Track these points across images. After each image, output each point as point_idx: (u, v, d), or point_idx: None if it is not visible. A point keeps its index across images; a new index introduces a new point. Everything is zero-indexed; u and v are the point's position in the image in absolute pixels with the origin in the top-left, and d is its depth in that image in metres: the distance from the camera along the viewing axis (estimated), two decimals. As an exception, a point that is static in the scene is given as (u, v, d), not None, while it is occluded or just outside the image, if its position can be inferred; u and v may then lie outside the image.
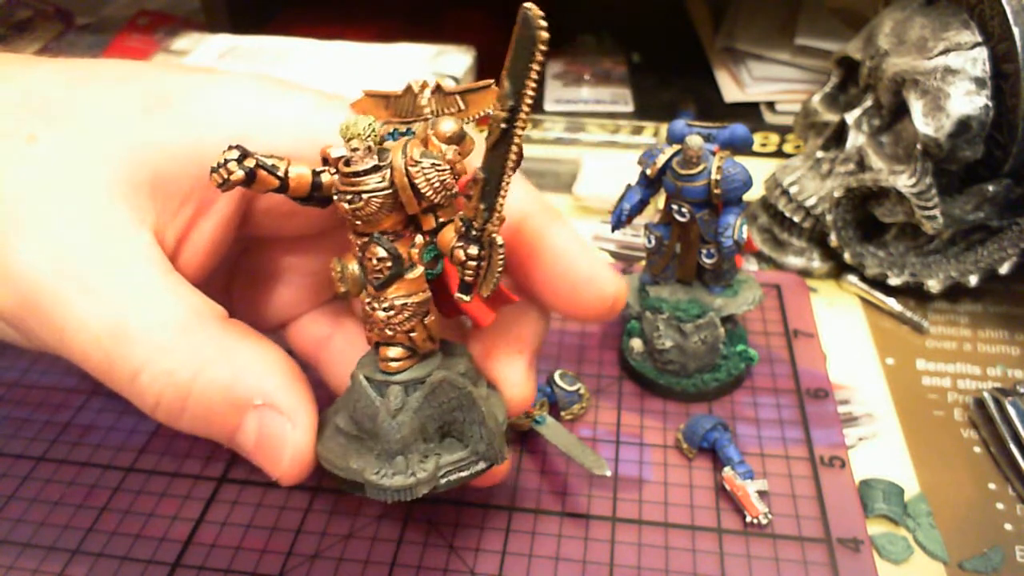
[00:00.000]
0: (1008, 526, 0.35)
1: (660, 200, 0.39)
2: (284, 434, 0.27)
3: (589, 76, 0.71)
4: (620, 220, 0.39)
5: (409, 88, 0.27)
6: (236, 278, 0.35)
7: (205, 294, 0.28)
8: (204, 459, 0.38)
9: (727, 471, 0.36)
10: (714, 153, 0.36)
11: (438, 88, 0.27)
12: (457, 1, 0.81)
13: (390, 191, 0.25)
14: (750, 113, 0.65)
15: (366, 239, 0.26)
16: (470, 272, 0.26)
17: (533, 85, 0.22)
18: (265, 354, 0.28)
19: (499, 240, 0.25)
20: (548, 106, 0.68)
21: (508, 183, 0.24)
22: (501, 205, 0.25)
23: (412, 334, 0.27)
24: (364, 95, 0.29)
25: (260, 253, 0.35)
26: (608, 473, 0.34)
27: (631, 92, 0.69)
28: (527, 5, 0.22)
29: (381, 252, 0.26)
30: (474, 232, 0.25)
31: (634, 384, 0.42)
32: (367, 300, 0.27)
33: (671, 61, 0.73)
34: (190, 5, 0.83)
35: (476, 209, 0.25)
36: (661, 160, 0.37)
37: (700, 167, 0.36)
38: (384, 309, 0.26)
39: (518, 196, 0.30)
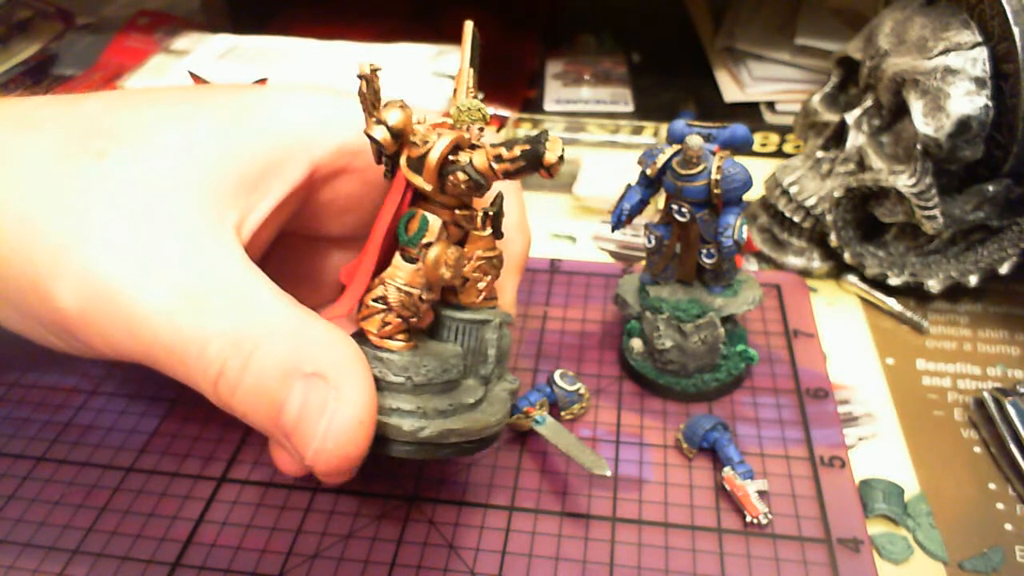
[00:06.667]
0: (1008, 526, 0.35)
1: (660, 200, 0.39)
2: (325, 404, 0.25)
3: (589, 76, 0.71)
4: (620, 220, 0.39)
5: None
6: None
7: None
8: (204, 459, 0.38)
9: (727, 471, 0.36)
10: (714, 153, 0.36)
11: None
12: (457, 1, 0.80)
13: None
14: (750, 113, 0.65)
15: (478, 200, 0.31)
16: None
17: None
18: (330, 332, 0.27)
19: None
20: (548, 106, 0.68)
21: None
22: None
23: None
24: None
25: (289, 251, 0.35)
26: (608, 473, 0.34)
27: (631, 92, 0.69)
28: (470, 24, 0.31)
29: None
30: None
31: (634, 384, 0.42)
32: (494, 251, 0.32)
33: (671, 61, 0.73)
34: (190, 5, 0.83)
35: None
36: (661, 160, 0.37)
37: (700, 167, 0.36)
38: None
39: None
